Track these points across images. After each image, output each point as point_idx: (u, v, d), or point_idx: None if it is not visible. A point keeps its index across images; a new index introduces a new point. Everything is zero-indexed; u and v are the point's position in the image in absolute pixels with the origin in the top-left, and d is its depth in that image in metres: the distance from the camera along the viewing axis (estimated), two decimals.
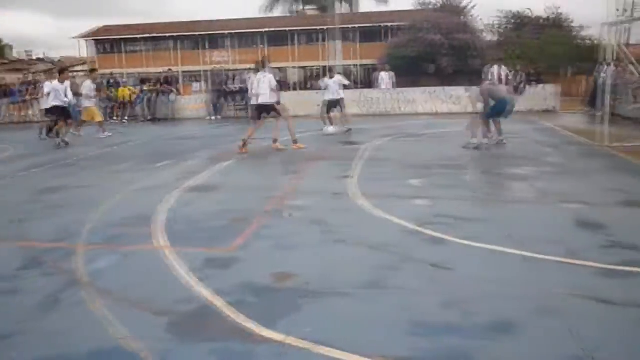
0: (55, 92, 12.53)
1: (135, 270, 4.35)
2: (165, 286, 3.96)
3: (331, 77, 13.61)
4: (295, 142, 10.83)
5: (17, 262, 4.58)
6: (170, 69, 22.48)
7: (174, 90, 19.99)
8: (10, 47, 47.02)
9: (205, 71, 31.80)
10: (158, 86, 19.78)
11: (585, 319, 3.27)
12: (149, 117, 19.64)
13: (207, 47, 39.88)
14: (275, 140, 10.83)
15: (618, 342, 3.01)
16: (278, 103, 11.12)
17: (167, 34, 39.34)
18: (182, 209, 6.18)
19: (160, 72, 21.17)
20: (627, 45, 14.58)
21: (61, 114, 12.80)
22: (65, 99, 12.67)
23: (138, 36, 39.62)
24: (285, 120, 11.01)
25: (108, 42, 41.00)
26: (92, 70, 15.37)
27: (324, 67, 30.11)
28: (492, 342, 3.03)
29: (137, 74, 21.96)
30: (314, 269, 4.21)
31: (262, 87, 10.74)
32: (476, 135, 10.05)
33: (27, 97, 21.06)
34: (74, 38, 40.33)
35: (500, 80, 17.94)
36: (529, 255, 4.33)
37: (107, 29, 41.17)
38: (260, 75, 10.93)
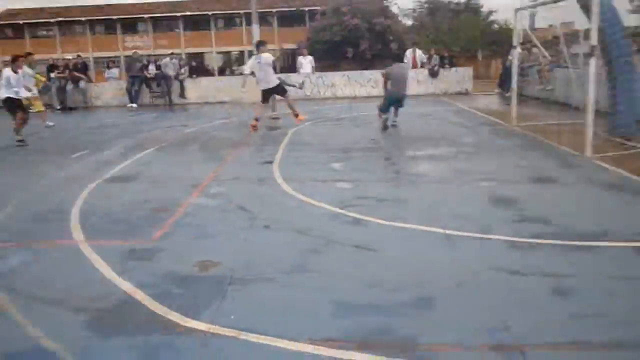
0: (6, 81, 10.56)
1: (50, 268, 4.15)
2: (83, 282, 3.80)
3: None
4: (297, 115, 11.03)
5: None
6: (79, 55, 21.31)
7: (84, 77, 19.04)
8: None
9: (126, 57, 30.54)
10: (67, 73, 18.76)
11: (500, 291, 3.46)
12: (58, 107, 18.64)
13: (124, 31, 38.26)
14: (296, 115, 11.02)
15: (530, 310, 3.20)
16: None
17: (80, 18, 37.40)
18: (100, 201, 5.94)
19: (69, 59, 20.03)
20: (534, 29, 15.31)
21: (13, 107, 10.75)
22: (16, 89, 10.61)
23: (49, 20, 37.39)
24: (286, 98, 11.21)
25: (9, 26, 38.39)
26: (28, 54, 13.56)
27: (249, 51, 29.78)
28: (414, 317, 3.14)
29: (51, 60, 20.56)
30: (238, 255, 4.18)
31: (269, 74, 10.85)
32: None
33: None
34: None
35: (415, 63, 18.48)
36: (448, 232, 4.51)
37: (10, 13, 38.58)
38: (255, 60, 10.83)
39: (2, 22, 38.02)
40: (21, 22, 37.54)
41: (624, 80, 8.46)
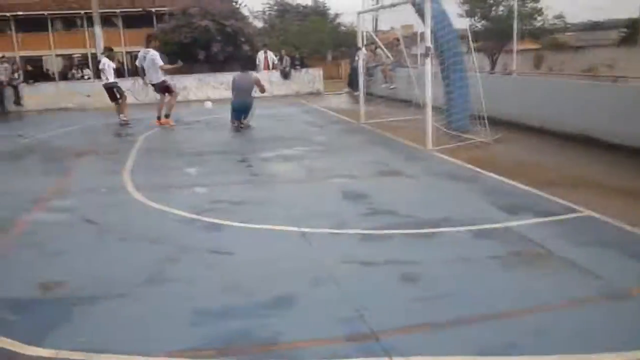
0: None
1: None
2: None
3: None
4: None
5: None
6: None
7: None
8: None
9: None
10: None
11: (355, 282, 3.60)
12: None
13: None
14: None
15: (382, 297, 3.37)
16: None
17: None
18: None
19: None
20: (376, 31, 16.18)
21: None
22: None
23: None
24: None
25: None
26: None
27: (92, 54, 28.00)
28: (273, 317, 3.16)
29: None
30: (87, 272, 3.92)
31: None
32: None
33: None
34: None
35: (267, 65, 18.67)
36: (304, 230, 4.60)
37: None
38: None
39: None
40: None
41: (456, 79, 9.23)
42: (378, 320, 3.06)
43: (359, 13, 11.27)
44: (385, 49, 14.81)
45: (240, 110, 10.60)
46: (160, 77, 11.37)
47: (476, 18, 28.26)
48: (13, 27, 34.54)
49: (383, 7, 10.74)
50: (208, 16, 25.72)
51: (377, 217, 4.97)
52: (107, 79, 12.10)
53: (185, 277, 3.78)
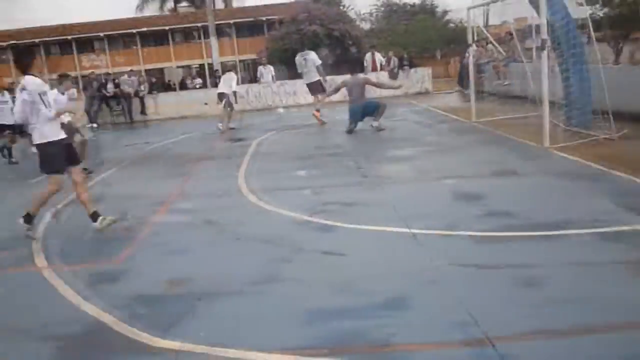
0: None
1: (13, 297, 4.04)
2: (49, 310, 3.71)
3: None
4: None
5: None
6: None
7: None
8: None
9: (83, 76, 30.03)
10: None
11: (469, 286, 3.50)
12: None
13: (80, 51, 37.61)
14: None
15: (501, 304, 3.24)
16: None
17: (34, 40, 36.61)
18: (63, 225, 5.81)
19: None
20: (487, 26, 15.64)
21: None
22: None
23: (1, 44, 36.50)
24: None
25: None
26: None
27: (208, 64, 29.55)
28: (386, 318, 3.15)
29: (7, 84, 19.98)
30: (207, 270, 4.14)
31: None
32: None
33: None
34: None
35: (375, 66, 18.66)
36: (415, 232, 4.54)
37: None
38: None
39: None
40: None
41: (575, 72, 8.67)
42: (493, 326, 2.95)
43: (469, 8, 10.95)
44: (497, 44, 14.27)
45: (357, 113, 10.57)
46: (315, 77, 12.63)
47: (597, 6, 26.39)
48: (139, 42, 37.25)
49: (494, 1, 10.33)
50: (316, 21, 26.23)
51: (492, 218, 4.80)
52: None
53: (299, 277, 3.87)
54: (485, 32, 12.33)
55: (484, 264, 3.81)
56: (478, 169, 6.75)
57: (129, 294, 3.81)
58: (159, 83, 28.01)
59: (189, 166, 8.72)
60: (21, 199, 7.31)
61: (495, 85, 15.15)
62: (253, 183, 6.91)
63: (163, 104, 18.45)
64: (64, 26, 37.78)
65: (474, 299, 3.28)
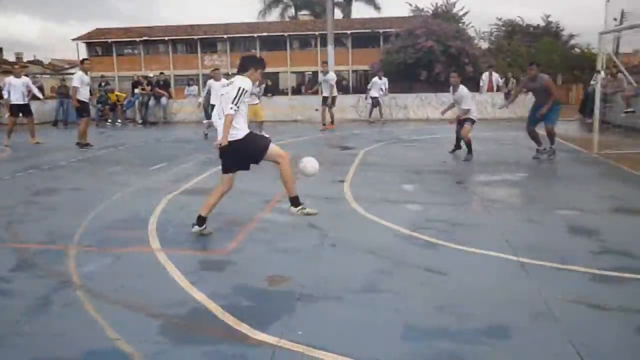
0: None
1: (127, 273, 4.32)
2: (159, 288, 3.95)
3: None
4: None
5: (9, 263, 4.55)
6: (162, 73, 22.33)
7: (166, 94, 19.87)
8: (0, 50, 46.38)
9: (204, 75, 31.80)
10: (150, 90, 19.68)
11: (580, 324, 3.29)
12: (140, 121, 19.54)
13: (203, 51, 39.85)
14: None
15: (611, 347, 3.03)
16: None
17: (163, 37, 39.31)
18: (176, 212, 6.16)
19: (150, 77, 21.06)
20: (617, 54, 14.72)
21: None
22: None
23: (135, 39, 39.53)
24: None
25: (99, 44, 40.82)
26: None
27: (321, 72, 30.13)
28: (487, 346, 3.03)
29: (135, 77, 21.55)
30: (307, 272, 4.21)
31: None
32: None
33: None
34: (73, 40, 40.03)
35: (491, 87, 18.16)
36: (524, 260, 4.35)
37: (99, 32, 41.02)
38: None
39: (92, 41, 40.50)
40: (109, 40, 39.85)
41: None
42: None
43: (601, 33, 10.37)
44: (627, 74, 13.36)
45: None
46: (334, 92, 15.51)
47: None
48: (258, 46, 38.79)
49: (631, 27, 9.70)
50: (433, 37, 25.94)
51: (610, 256, 4.49)
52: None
53: (398, 291, 3.83)
54: (615, 59, 11.59)
55: (598, 303, 3.56)
56: (596, 203, 6.34)
57: (233, 285, 3.96)
58: (274, 86, 28.98)
59: (295, 169, 8.90)
60: (143, 182, 7.85)
61: (623, 117, 14.20)
62: (358, 192, 6.94)
63: (276, 107, 19.01)
64: (191, 26, 40.23)
65: (582, 338, 3.08)
